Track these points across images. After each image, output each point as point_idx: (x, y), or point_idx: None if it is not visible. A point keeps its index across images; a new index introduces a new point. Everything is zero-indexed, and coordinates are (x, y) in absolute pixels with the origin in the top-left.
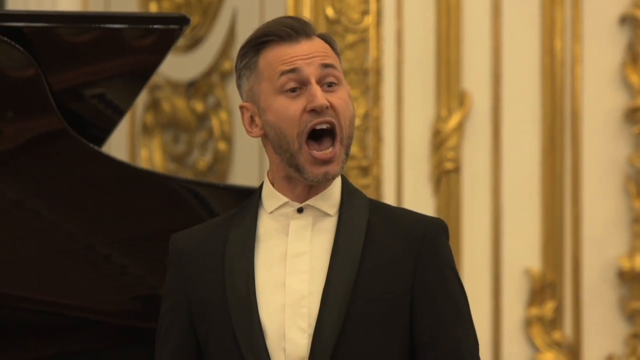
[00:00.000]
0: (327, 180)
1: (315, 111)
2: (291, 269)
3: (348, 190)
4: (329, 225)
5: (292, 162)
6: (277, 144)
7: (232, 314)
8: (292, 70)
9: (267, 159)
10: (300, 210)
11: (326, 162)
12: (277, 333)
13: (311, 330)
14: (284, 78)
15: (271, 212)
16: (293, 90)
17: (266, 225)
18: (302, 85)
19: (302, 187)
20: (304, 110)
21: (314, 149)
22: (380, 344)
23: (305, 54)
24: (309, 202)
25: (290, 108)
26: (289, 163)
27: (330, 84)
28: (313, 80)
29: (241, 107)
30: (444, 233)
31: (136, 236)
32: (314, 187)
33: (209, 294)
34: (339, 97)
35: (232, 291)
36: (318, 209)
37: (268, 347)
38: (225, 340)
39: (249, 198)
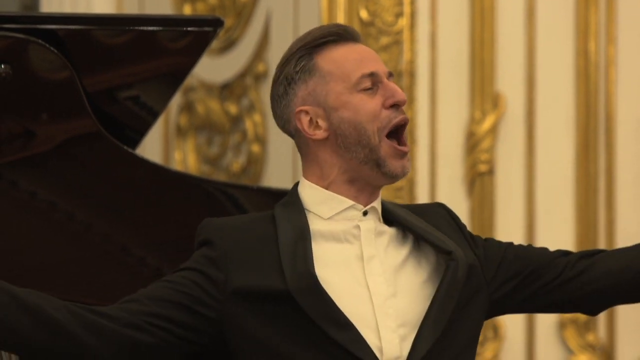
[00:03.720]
0: (403, 175)
1: (395, 106)
2: (370, 271)
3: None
4: (385, 228)
5: (370, 156)
6: (354, 140)
7: (319, 319)
8: (371, 74)
9: (300, 160)
10: (364, 214)
11: (404, 155)
12: (372, 334)
13: (402, 331)
14: (362, 79)
15: (330, 218)
16: (369, 88)
17: (327, 229)
18: (375, 85)
19: (368, 190)
20: (383, 106)
21: (395, 143)
22: (473, 327)
23: (371, 54)
24: (374, 204)
25: (370, 104)
26: (366, 159)
27: None
28: (385, 79)
29: (299, 112)
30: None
31: (171, 238)
32: (375, 192)
33: (267, 296)
34: None
35: (307, 299)
36: (378, 212)
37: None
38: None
39: (284, 204)
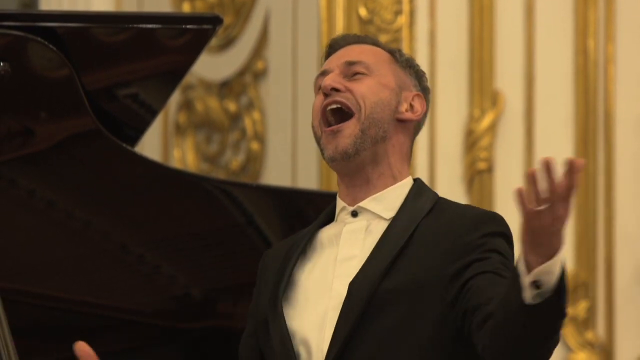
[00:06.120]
0: (337, 154)
1: (325, 95)
2: (339, 272)
3: (418, 192)
4: (382, 228)
5: (321, 149)
6: (316, 141)
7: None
8: (322, 73)
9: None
10: (354, 214)
11: (335, 135)
12: (319, 335)
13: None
14: (316, 80)
15: (335, 220)
16: (320, 88)
17: (329, 231)
18: None
19: (353, 188)
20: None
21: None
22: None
23: (339, 56)
24: (361, 204)
25: (317, 102)
26: (322, 154)
27: (354, 74)
28: (335, 71)
29: None
30: (495, 223)
31: (170, 236)
32: (363, 188)
33: (263, 305)
34: (361, 83)
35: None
36: (372, 212)
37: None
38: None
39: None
